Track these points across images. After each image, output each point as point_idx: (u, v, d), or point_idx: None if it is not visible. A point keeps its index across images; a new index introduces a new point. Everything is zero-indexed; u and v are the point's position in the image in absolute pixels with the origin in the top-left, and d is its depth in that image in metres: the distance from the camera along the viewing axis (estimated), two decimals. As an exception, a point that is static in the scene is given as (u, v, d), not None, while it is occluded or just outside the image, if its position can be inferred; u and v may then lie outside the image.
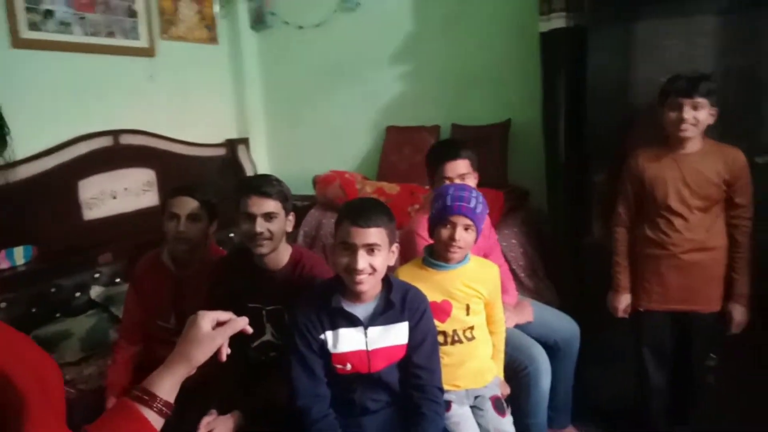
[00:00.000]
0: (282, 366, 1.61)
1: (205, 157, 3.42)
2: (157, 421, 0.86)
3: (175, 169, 3.12)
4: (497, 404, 1.71)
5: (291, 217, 1.75)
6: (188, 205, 1.88)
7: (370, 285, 1.46)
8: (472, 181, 2.00)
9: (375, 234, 1.42)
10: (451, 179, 1.96)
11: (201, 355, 0.92)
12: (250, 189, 1.68)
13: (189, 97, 3.39)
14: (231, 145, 3.58)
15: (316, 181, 3.16)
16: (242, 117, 3.76)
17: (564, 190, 2.55)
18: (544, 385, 1.93)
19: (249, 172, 3.55)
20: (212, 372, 1.50)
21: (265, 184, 1.68)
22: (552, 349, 2.06)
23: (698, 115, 1.87)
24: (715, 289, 1.99)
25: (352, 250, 1.42)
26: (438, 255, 1.69)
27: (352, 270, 1.41)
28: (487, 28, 2.97)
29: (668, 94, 1.92)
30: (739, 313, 1.97)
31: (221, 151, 3.54)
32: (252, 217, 1.64)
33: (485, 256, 1.91)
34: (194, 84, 3.43)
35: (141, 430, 0.84)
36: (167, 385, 0.89)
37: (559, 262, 2.60)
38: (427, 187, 2.91)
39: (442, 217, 1.62)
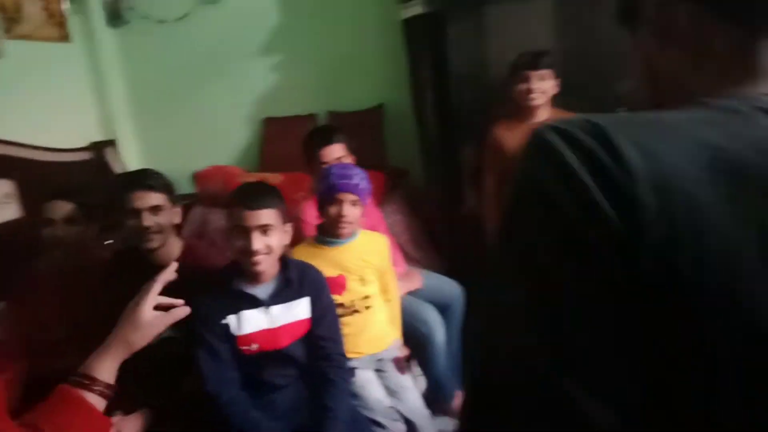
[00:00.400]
0: (184, 360, 1.62)
1: (70, 163, 3.20)
2: (99, 403, 0.87)
3: (37, 178, 2.90)
4: (398, 364, 1.85)
5: (177, 209, 1.75)
6: (64, 208, 1.80)
7: (267, 265, 1.52)
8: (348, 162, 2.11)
9: (267, 215, 1.48)
10: (327, 163, 2.06)
11: (140, 340, 0.94)
12: (132, 184, 1.66)
13: (45, 100, 3.15)
14: (97, 147, 3.39)
15: (197, 178, 3.10)
16: (106, 118, 3.56)
17: (437, 167, 2.75)
18: (439, 338, 2.10)
19: (121, 175, 3.40)
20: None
21: (147, 178, 1.67)
22: (442, 310, 2.24)
23: (543, 85, 2.13)
24: None
25: (246, 232, 1.47)
26: (329, 232, 1.78)
27: (248, 252, 1.47)
28: (354, 15, 3.08)
29: (517, 68, 2.16)
30: None
31: (87, 155, 3.34)
32: (138, 212, 1.63)
33: (372, 228, 2.04)
34: (49, 86, 3.19)
35: (86, 413, 0.84)
36: (106, 368, 0.90)
37: (439, 232, 2.80)
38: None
39: (329, 195, 1.72)
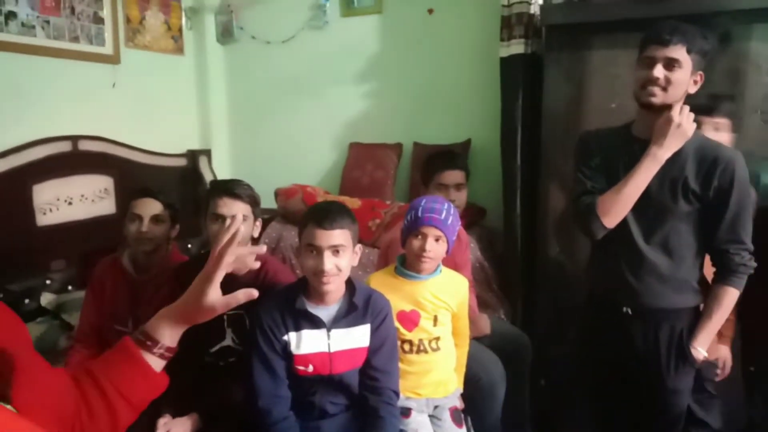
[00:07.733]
0: (239, 369, 1.62)
1: (166, 167, 3.38)
2: (158, 363, 0.89)
3: (133, 178, 3.08)
4: (455, 415, 1.74)
5: (258, 223, 1.77)
6: (152, 206, 1.88)
7: (336, 285, 1.49)
8: (464, 192, 2.11)
9: (339, 235, 1.45)
10: (446, 186, 2.06)
11: (200, 318, 0.93)
12: (221, 190, 1.69)
13: (152, 106, 3.37)
14: (192, 155, 3.56)
15: (278, 194, 3.17)
16: (205, 128, 3.75)
17: (520, 209, 2.65)
18: (499, 393, 1.98)
19: (209, 184, 3.54)
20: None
21: (236, 186, 1.70)
22: (505, 361, 2.11)
23: (718, 137, 1.82)
24: None
25: (318, 251, 1.45)
26: (410, 265, 1.72)
27: (319, 272, 1.44)
28: (450, 50, 3.09)
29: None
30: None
31: (182, 162, 3.52)
32: (222, 219, 1.65)
33: (456, 267, 1.95)
34: (158, 93, 3.41)
35: (141, 371, 0.87)
36: (168, 333, 0.91)
37: (512, 277, 2.68)
38: (389, 202, 2.98)
39: (413, 227, 1.65)
